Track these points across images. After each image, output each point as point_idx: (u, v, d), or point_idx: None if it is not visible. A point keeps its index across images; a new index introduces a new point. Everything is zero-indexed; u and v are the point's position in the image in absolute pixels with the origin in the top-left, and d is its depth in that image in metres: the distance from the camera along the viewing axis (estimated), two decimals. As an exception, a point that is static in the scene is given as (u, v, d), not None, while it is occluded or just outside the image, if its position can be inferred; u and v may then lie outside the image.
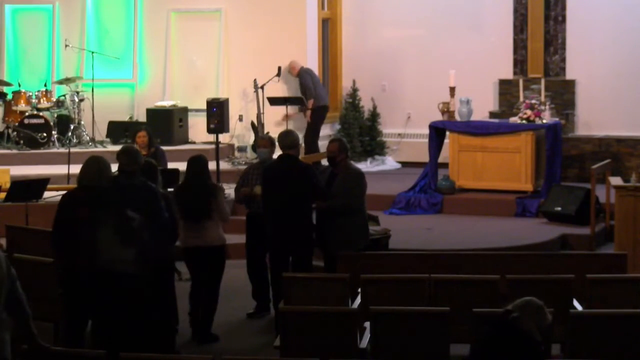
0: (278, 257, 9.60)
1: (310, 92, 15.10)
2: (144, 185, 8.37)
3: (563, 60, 15.46)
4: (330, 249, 9.66)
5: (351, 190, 9.61)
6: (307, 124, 15.12)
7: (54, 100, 15.55)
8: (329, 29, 16.52)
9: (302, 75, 15.17)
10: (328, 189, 9.64)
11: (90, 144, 15.26)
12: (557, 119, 13.89)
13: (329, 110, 15.64)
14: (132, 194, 8.24)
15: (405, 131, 16.12)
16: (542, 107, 13.55)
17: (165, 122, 15.25)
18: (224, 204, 9.62)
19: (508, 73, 15.57)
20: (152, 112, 15.57)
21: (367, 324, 7.56)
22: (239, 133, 15.74)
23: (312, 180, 9.54)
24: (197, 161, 9.70)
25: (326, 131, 15.68)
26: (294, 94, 15.37)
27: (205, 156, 9.97)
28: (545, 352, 6.24)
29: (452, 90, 13.82)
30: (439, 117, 13.84)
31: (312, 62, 15.75)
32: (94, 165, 8.34)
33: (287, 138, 9.73)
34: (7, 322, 6.31)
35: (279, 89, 15.34)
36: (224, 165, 14.63)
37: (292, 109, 15.17)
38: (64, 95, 15.63)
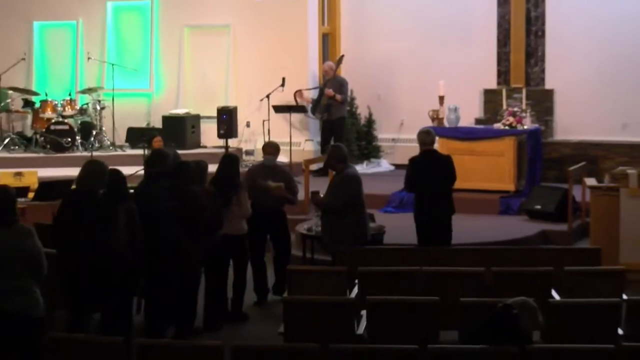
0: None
1: (345, 97, 15.07)
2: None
3: (543, 71, 15.45)
4: (327, 245, 9.75)
5: (338, 191, 9.61)
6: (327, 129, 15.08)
7: (78, 108, 15.57)
8: (328, 43, 16.53)
9: (344, 84, 15.11)
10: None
11: (110, 148, 15.29)
12: (537, 125, 13.90)
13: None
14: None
15: (399, 136, 16.11)
16: (524, 114, 13.56)
17: (179, 128, 15.26)
18: (246, 200, 9.65)
19: (492, 83, 15.55)
20: (167, 119, 15.58)
21: (363, 313, 7.56)
22: (247, 138, 15.74)
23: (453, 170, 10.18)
24: (228, 160, 9.82)
25: (326, 135, 15.68)
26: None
27: (237, 155, 10.11)
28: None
29: (442, 98, 13.81)
30: (429, 123, 13.82)
31: (313, 73, 15.77)
32: (90, 169, 8.10)
33: (428, 136, 10.25)
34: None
35: (282, 98, 15.33)
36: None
37: (331, 91, 14.97)
38: (86, 104, 15.65)
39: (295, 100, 15.22)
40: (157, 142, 12.25)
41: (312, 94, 15.44)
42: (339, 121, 15.07)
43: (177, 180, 8.78)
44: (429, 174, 9.98)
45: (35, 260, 6.69)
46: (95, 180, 7.93)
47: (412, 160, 10.14)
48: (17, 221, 6.81)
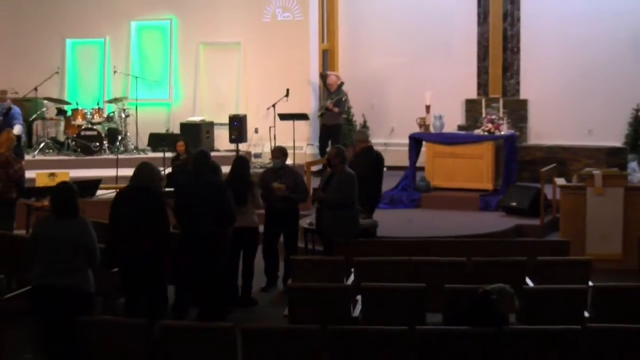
0: None
1: (341, 110, 15.09)
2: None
3: (517, 83, 15.46)
4: (325, 235, 9.75)
5: (343, 188, 9.63)
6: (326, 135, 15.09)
7: (105, 116, 15.57)
8: (328, 58, 16.52)
9: (343, 98, 15.09)
10: (326, 187, 9.72)
11: (134, 151, 15.28)
12: (512, 131, 13.88)
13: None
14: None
15: (390, 141, 16.10)
16: (501, 122, 13.55)
17: (195, 134, 15.25)
18: (258, 195, 9.68)
19: (473, 94, 15.56)
20: (184, 126, 15.57)
21: (359, 298, 7.56)
22: (255, 142, 15.74)
23: None
24: (240, 162, 9.87)
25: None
26: (299, 110, 15.38)
27: (247, 157, 10.15)
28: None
29: (428, 107, 13.81)
30: (417, 129, 13.84)
31: (314, 85, 15.77)
32: (146, 169, 8.30)
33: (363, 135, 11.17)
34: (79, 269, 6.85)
35: (287, 107, 15.34)
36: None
37: (330, 104, 14.97)
38: (113, 112, 15.65)
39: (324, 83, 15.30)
40: (180, 145, 12.28)
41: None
42: (336, 127, 15.10)
43: (210, 177, 8.86)
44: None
45: (89, 247, 6.94)
46: (146, 178, 8.16)
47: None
48: (78, 214, 7.04)
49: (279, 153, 10.43)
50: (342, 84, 15.22)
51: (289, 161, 13.88)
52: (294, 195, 10.16)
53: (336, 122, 15.07)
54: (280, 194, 9.97)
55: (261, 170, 11.55)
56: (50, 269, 6.83)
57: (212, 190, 8.65)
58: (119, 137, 15.31)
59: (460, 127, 14.90)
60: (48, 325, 6.90)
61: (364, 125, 16.13)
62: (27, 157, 14.41)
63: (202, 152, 9.26)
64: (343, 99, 15.10)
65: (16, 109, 13.56)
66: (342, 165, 9.72)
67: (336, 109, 14.94)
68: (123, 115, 15.53)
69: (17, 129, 13.10)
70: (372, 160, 10.94)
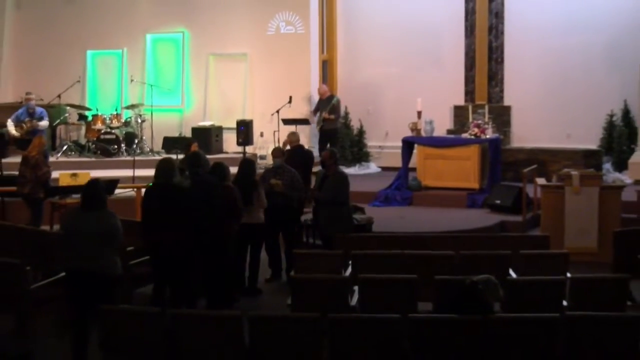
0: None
1: (337, 115, 15.10)
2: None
3: (501, 91, 15.46)
4: (322, 231, 9.77)
5: (337, 187, 9.66)
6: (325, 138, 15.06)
7: (123, 121, 15.55)
8: (327, 67, 16.51)
9: (337, 105, 15.07)
10: (321, 186, 9.73)
11: (149, 153, 15.25)
12: (497, 135, 13.88)
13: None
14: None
15: (384, 144, 16.11)
16: (486, 126, 13.55)
17: (206, 137, 15.24)
18: (263, 194, 9.67)
19: (460, 100, 15.55)
20: (195, 130, 15.56)
21: (356, 288, 7.54)
22: (260, 145, 15.73)
23: None
24: (246, 163, 9.87)
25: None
26: (300, 116, 15.37)
27: (253, 159, 10.14)
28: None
29: (419, 113, 13.81)
30: (409, 133, 13.84)
31: (314, 93, 15.76)
32: (161, 165, 8.36)
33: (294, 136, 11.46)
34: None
35: (290, 113, 15.33)
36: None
37: (325, 114, 15.00)
38: (130, 118, 15.63)
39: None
40: (194, 147, 12.23)
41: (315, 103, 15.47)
42: (332, 132, 15.14)
43: (217, 177, 8.84)
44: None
45: (116, 236, 7.13)
46: (162, 174, 8.24)
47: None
48: (105, 206, 7.23)
49: (279, 153, 10.51)
50: (332, 94, 15.25)
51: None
52: (291, 192, 10.15)
53: (333, 127, 15.14)
54: (277, 189, 10.00)
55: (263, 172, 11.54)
56: (80, 255, 7.03)
57: (208, 190, 8.65)
58: (136, 141, 15.29)
59: (449, 131, 14.90)
60: (78, 305, 7.08)
61: (361, 130, 16.14)
62: (51, 158, 14.38)
63: (195, 153, 9.22)
64: (336, 105, 15.12)
65: (41, 108, 13.88)
66: (335, 165, 9.89)
67: (332, 116, 14.99)
68: (139, 121, 15.51)
69: (44, 124, 13.82)
70: (302, 156, 11.30)
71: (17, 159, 14.19)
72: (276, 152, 10.55)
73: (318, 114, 15.16)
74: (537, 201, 11.67)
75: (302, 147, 11.57)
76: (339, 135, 15.46)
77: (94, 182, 7.45)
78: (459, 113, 15.29)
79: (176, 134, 15.85)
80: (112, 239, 7.08)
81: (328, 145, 14.71)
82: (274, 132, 14.92)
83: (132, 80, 16.20)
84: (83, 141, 15.64)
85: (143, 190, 9.26)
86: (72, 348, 7.12)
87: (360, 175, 15.23)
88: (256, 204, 9.51)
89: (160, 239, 7.99)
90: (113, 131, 15.23)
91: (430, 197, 13.25)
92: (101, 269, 7.02)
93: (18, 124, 14.00)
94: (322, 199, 9.73)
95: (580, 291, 7.14)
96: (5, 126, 14.25)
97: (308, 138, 15.64)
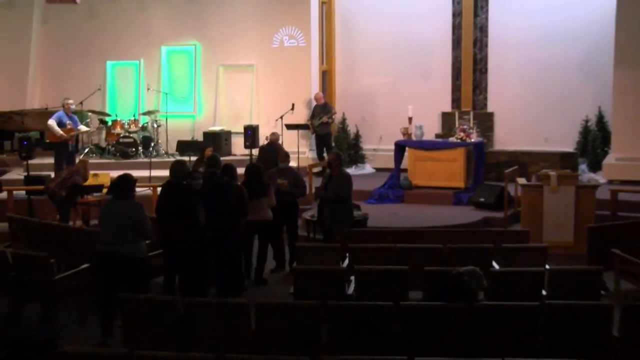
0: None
1: (331, 119, 15.10)
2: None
3: (485, 98, 15.45)
4: (325, 226, 9.74)
5: (341, 187, 9.65)
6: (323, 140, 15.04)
7: (140, 126, 15.54)
8: (327, 77, 16.50)
9: (329, 109, 15.04)
10: (327, 186, 9.72)
11: (164, 156, 15.24)
12: (481, 139, 13.87)
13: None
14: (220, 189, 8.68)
15: (379, 147, 16.09)
16: (471, 131, 13.54)
17: (216, 141, 15.22)
18: (273, 195, 9.69)
19: (448, 107, 15.54)
20: (206, 134, 15.55)
21: (352, 278, 7.55)
22: (266, 148, 15.71)
23: None
24: (256, 167, 9.88)
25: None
26: (302, 121, 15.34)
27: (260, 164, 10.22)
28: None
29: (410, 119, 13.81)
30: (401, 137, 13.82)
31: (315, 101, 15.73)
32: (175, 166, 8.56)
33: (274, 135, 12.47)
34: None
35: (292, 119, 15.32)
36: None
37: (325, 118, 14.97)
38: (146, 123, 15.62)
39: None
40: (209, 151, 12.26)
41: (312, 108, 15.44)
42: (327, 136, 15.12)
43: (228, 177, 8.86)
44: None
45: (141, 223, 7.41)
46: (174, 173, 8.48)
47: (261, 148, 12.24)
48: (133, 197, 7.57)
49: (285, 157, 10.53)
50: (326, 102, 15.26)
51: (294, 163, 14.03)
52: (295, 190, 10.17)
53: (327, 132, 15.13)
54: (284, 188, 10.03)
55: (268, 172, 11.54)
56: (111, 240, 7.35)
57: (223, 189, 8.68)
58: (152, 144, 15.28)
59: (437, 136, 14.88)
60: (108, 284, 7.33)
61: (357, 134, 16.13)
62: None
63: (215, 156, 9.32)
64: (333, 112, 15.11)
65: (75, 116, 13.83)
66: (340, 167, 9.86)
67: (331, 120, 15.01)
68: (155, 126, 15.51)
69: (85, 129, 13.85)
70: (274, 149, 11.91)
71: (43, 161, 14.25)
72: (282, 156, 10.58)
73: (312, 121, 15.12)
74: (518, 199, 11.66)
75: (274, 143, 12.54)
76: (332, 139, 15.42)
77: (125, 175, 7.72)
78: (447, 119, 15.28)
79: (189, 138, 15.83)
80: (138, 225, 7.32)
81: (324, 147, 14.77)
82: (278, 136, 14.88)
83: (148, 89, 16.19)
84: (103, 144, 15.63)
85: (159, 189, 9.27)
86: (100, 322, 7.37)
87: (357, 175, 15.15)
88: (264, 204, 9.50)
89: (170, 230, 8.14)
90: (131, 135, 15.23)
91: (420, 196, 13.25)
92: (129, 252, 7.29)
93: (60, 126, 13.52)
94: (326, 197, 9.73)
95: (558, 281, 7.13)
96: (35, 129, 14.18)
97: (309, 142, 15.63)
